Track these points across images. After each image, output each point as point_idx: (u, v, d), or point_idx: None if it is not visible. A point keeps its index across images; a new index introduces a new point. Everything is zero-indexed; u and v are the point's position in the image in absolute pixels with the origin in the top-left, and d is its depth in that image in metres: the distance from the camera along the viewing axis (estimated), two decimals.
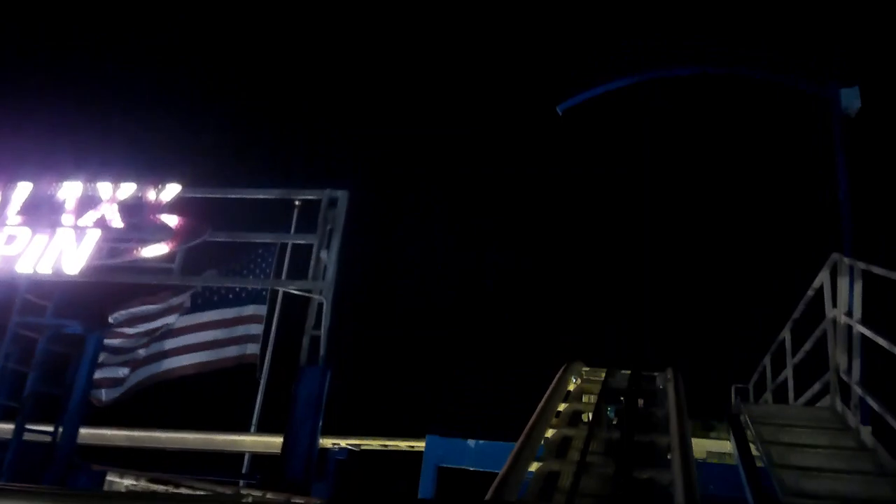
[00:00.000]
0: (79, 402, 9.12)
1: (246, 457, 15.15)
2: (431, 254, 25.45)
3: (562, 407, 7.48)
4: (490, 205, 27.13)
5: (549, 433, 6.70)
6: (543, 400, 6.99)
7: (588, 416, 7.65)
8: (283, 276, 12.58)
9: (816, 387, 7.86)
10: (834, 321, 7.53)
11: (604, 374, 8.64)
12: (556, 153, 25.82)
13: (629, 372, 8.78)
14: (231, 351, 12.78)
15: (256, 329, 12.91)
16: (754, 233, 22.95)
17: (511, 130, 26.34)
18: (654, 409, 7.38)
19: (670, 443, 5.95)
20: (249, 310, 12.95)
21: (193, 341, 12.56)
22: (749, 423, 6.77)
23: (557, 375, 7.92)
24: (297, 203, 13.58)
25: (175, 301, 12.36)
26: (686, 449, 5.33)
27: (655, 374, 8.73)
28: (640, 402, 7.70)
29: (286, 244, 12.48)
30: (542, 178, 26.40)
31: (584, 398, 8.17)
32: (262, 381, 15.45)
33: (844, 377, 7.09)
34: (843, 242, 9.89)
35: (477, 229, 26.43)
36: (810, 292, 8.34)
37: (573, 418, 7.44)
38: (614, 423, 7.71)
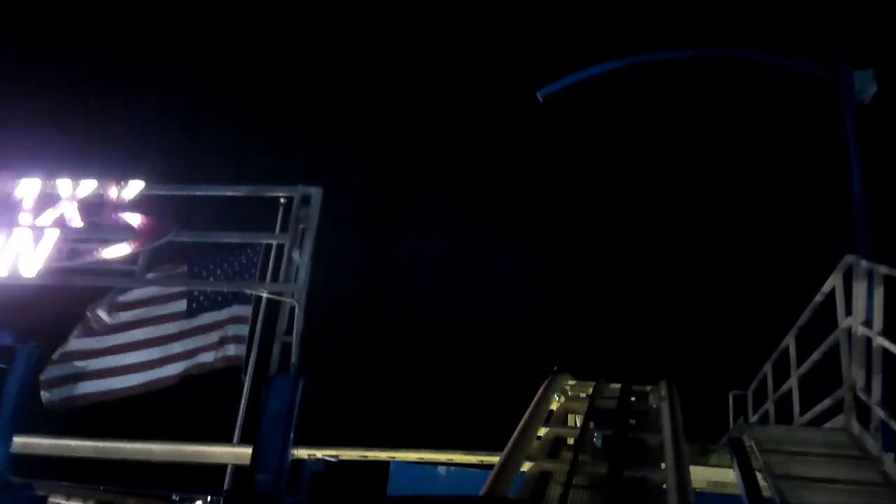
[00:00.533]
0: (8, 421, 8.35)
1: (228, 469, 14.41)
2: (419, 258, 24.65)
3: (542, 432, 6.66)
4: (482, 204, 26.33)
5: (527, 466, 5.90)
6: (521, 424, 6.18)
7: (572, 441, 6.83)
8: (268, 279, 11.83)
9: (827, 403, 7.13)
10: (849, 331, 6.79)
11: (591, 390, 7.82)
12: (554, 153, 25.13)
13: (619, 385, 7.96)
14: (208, 356, 12.12)
15: (240, 330, 12.26)
16: (759, 231, 22.18)
17: (510, 127, 25.53)
18: (646, 436, 6.55)
19: (666, 478, 5.16)
20: (231, 312, 12.29)
21: (169, 352, 11.84)
22: (755, 449, 5.99)
23: (539, 393, 7.11)
24: (282, 201, 12.92)
25: (173, 307, 11.65)
26: (684, 493, 4.53)
27: (648, 388, 7.92)
28: (632, 421, 6.90)
29: (269, 244, 11.74)
30: (541, 177, 25.67)
31: (570, 419, 7.36)
32: (246, 389, 14.72)
33: (862, 395, 6.34)
34: (858, 243, 9.09)
35: (467, 233, 25.68)
36: (819, 297, 7.60)
37: (555, 445, 6.63)
38: (602, 442, 6.92)
